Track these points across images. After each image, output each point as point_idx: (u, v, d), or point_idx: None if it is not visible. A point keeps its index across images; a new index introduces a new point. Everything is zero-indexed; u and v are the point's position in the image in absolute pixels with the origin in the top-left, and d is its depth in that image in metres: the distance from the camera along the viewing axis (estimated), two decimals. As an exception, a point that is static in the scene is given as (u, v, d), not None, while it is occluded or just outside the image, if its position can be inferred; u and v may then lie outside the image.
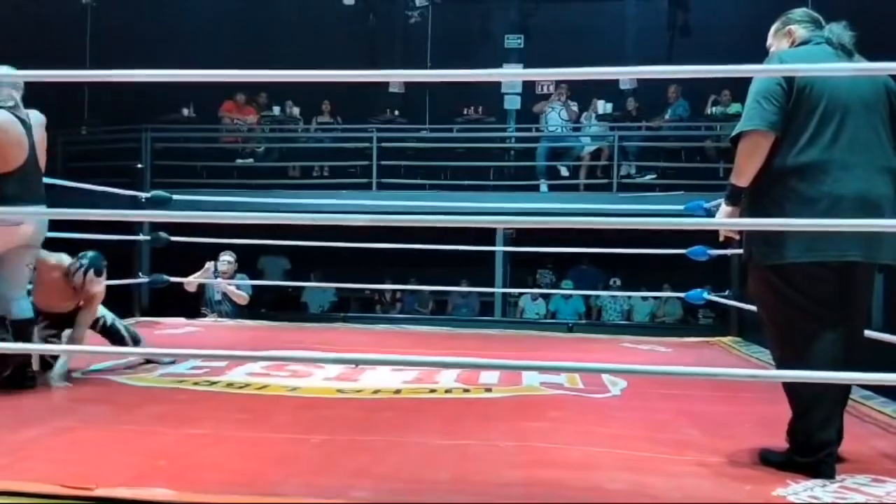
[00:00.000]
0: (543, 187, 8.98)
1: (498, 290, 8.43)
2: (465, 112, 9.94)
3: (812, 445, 2.13)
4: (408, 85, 10.21)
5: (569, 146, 9.33)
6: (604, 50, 9.56)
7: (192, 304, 6.15)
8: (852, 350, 2.17)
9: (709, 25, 9.91)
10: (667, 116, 9.15)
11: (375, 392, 3.21)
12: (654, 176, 8.75)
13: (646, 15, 10.43)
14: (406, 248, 5.51)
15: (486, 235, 7.96)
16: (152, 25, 10.43)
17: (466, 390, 3.28)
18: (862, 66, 2.20)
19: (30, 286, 3.38)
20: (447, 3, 10.78)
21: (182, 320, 5.64)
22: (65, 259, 3.46)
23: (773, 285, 2.21)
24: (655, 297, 8.82)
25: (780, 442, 2.23)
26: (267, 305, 8.39)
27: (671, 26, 10.17)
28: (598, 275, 9.36)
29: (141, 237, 5.78)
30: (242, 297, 6.12)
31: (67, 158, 9.76)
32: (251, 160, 9.73)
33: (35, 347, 3.37)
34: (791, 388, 2.20)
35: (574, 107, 9.32)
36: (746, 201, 2.27)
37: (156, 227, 5.67)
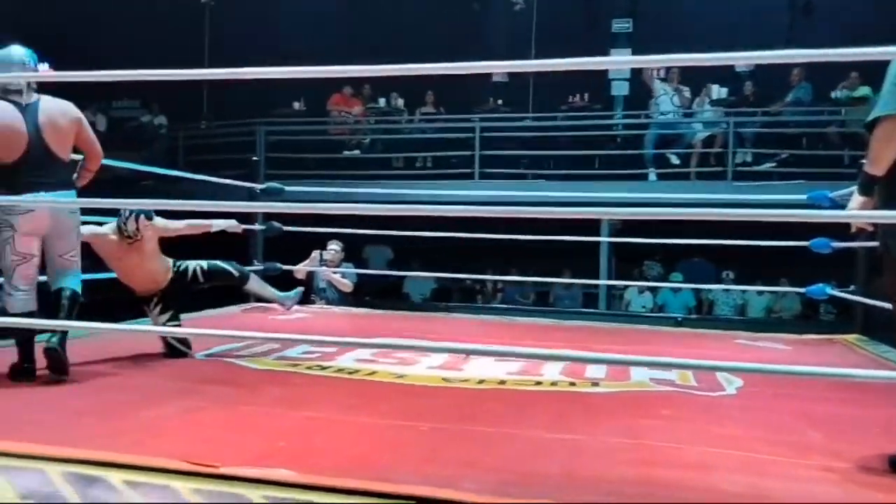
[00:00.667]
0: (652, 176, 8.72)
1: (603, 282, 8.27)
2: (569, 99, 9.78)
3: (951, 454, 1.98)
4: (511, 73, 10.15)
5: (680, 133, 9.00)
6: (717, 32, 9.15)
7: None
8: None
9: (833, 3, 9.31)
10: (787, 100, 8.66)
11: (480, 382, 3.23)
12: (773, 164, 8.31)
13: (763, -7, 9.92)
14: (507, 239, 5.48)
15: (591, 225, 7.81)
16: (267, 23, 10.87)
17: (573, 384, 3.23)
18: None
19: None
20: (553, -11, 10.64)
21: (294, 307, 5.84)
22: (112, 222, 3.54)
23: (911, 282, 2.06)
24: (772, 292, 8.38)
25: (913, 449, 2.08)
26: (371, 294, 8.59)
27: (792, 6, 9.61)
28: (709, 268, 8.99)
29: (256, 227, 6.03)
30: (347, 285, 6.29)
31: (188, 152, 10.34)
32: (357, 151, 9.98)
33: (162, 331, 3.60)
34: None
35: (686, 92, 8.98)
36: (883, 191, 2.12)
37: (269, 216, 5.91)
